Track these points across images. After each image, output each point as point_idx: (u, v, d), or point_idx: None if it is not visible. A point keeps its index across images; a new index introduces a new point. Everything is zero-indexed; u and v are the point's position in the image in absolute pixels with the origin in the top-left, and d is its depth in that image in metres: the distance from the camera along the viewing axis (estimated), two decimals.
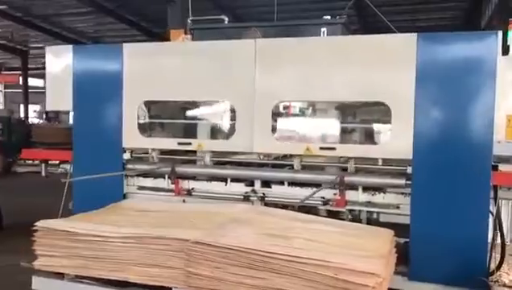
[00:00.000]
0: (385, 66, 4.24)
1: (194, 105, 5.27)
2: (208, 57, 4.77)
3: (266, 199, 4.66)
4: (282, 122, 4.85)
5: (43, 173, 5.66)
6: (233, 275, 3.34)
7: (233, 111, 4.78)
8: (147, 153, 5.11)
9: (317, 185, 4.53)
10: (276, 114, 4.64)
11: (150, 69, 4.95)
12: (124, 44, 5.02)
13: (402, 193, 4.33)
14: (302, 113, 4.88)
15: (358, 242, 3.66)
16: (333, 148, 4.41)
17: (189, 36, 5.21)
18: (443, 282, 4.05)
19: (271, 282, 3.22)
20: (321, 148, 4.43)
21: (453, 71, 4.05)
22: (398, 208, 4.35)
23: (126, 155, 5.10)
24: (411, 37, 4.17)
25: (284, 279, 3.22)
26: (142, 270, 3.54)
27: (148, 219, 4.09)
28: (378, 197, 4.41)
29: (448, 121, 4.07)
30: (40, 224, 3.78)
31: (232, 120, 4.87)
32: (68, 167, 5.78)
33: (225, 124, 5.16)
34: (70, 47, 5.23)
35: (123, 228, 3.71)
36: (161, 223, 3.92)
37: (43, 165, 5.64)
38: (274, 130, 4.60)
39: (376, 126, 4.62)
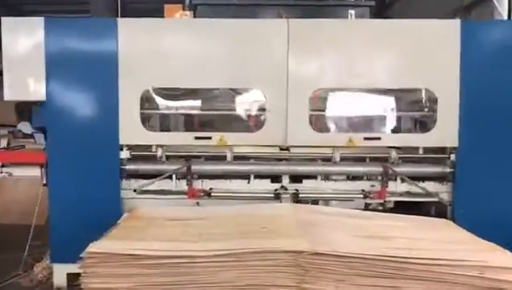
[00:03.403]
0: (430, 51, 4.03)
1: (214, 93, 4.46)
2: (231, 38, 4.06)
3: (299, 195, 4.16)
4: (320, 112, 4.35)
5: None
6: (361, 286, 2.85)
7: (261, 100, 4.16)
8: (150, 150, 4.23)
9: (355, 178, 4.21)
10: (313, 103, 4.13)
11: (156, 50, 4.05)
12: (119, 19, 4.05)
13: (442, 181, 4.21)
14: (342, 101, 4.43)
15: (454, 236, 3.42)
16: (378, 138, 4.09)
17: (188, 13, 4.39)
18: None
19: None
20: (366, 138, 4.08)
21: (498, 57, 4.01)
22: (437, 196, 4.22)
23: (124, 154, 4.15)
24: (455, 22, 4.04)
25: (424, 286, 2.83)
26: None
27: (207, 229, 3.32)
28: (417, 187, 4.22)
29: (494, 107, 4.03)
30: (94, 249, 2.82)
31: (260, 110, 4.24)
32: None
33: (252, 115, 4.47)
34: (41, 19, 4.05)
35: (208, 243, 2.94)
36: (235, 233, 3.21)
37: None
38: (311, 120, 4.12)
39: (422, 114, 4.39)
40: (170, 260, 2.79)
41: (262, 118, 4.13)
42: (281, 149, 4.32)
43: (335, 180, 4.23)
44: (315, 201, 4.22)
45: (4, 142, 6.98)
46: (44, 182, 4.39)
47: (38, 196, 6.41)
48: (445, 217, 4.04)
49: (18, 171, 4.78)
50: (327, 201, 4.26)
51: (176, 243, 2.95)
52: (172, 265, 2.80)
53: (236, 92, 4.47)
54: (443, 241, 3.29)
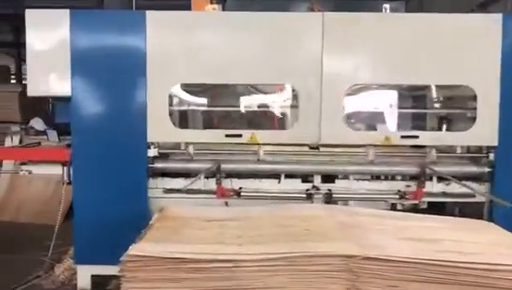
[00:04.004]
0: (469, 46, 3.89)
1: (245, 89, 4.31)
2: (264, 31, 3.91)
3: (333, 196, 4.01)
4: (355, 108, 4.21)
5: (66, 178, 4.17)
6: None
7: (294, 96, 4.02)
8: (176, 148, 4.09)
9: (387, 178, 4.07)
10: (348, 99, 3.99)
11: (186, 45, 3.90)
12: (148, 12, 3.89)
13: (479, 181, 4.06)
14: (377, 98, 4.29)
15: (500, 239, 3.27)
16: (416, 136, 3.95)
17: (217, 6, 4.23)
18: None
19: None
20: (403, 137, 3.94)
21: None
22: (474, 197, 4.08)
23: (152, 152, 4.00)
24: (496, 16, 3.89)
25: None
26: None
27: (245, 231, 3.17)
28: (454, 187, 4.08)
29: None
30: (136, 252, 2.67)
31: (293, 107, 4.09)
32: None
33: (285, 112, 4.32)
34: (66, 12, 3.89)
35: (253, 246, 2.80)
36: (276, 235, 3.06)
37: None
38: (346, 117, 3.97)
39: (461, 112, 4.24)
40: (217, 264, 2.63)
41: (295, 115, 3.97)
42: (310, 148, 4.18)
43: (368, 180, 4.08)
44: (334, 201, 4.08)
45: (16, 140, 6.81)
46: (66, 180, 4.24)
47: (52, 194, 6.32)
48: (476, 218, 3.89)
49: (36, 169, 4.61)
50: (346, 202, 4.12)
51: (220, 246, 2.80)
52: (218, 269, 2.65)
53: (258, 89, 4.34)
54: (492, 244, 3.14)
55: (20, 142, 6.77)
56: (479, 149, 4.11)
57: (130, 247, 2.70)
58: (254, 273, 2.67)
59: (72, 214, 4.29)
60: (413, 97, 4.33)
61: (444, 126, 4.13)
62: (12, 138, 6.77)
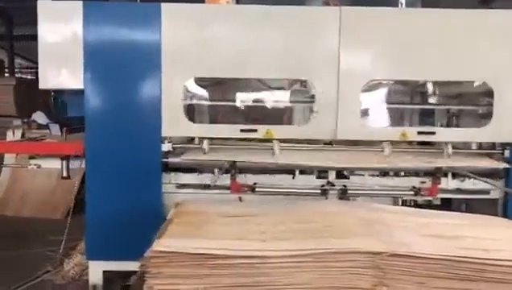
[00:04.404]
0: (487, 43, 3.87)
1: (258, 83, 4.25)
2: (279, 26, 3.86)
3: (348, 192, 3.99)
4: (371, 104, 4.18)
5: (65, 173, 4.11)
6: (441, 289, 2.70)
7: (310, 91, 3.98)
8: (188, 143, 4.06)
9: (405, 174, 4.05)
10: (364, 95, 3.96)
11: (201, 38, 3.84)
12: (163, 5, 3.83)
13: (494, 178, 4.05)
14: (394, 93, 4.27)
15: None
16: (433, 133, 3.93)
17: None
18: None
19: None
20: (419, 133, 3.92)
21: None
22: (488, 193, 4.08)
23: (166, 147, 3.95)
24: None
25: None
26: None
27: (267, 227, 3.13)
28: (468, 183, 4.08)
29: None
30: (162, 247, 2.63)
31: (309, 102, 4.05)
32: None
33: (300, 107, 4.29)
34: (79, 3, 3.82)
35: (277, 242, 2.77)
36: (299, 231, 3.03)
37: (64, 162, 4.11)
38: (362, 113, 3.95)
39: (477, 108, 4.23)
40: (242, 260, 2.60)
41: (311, 110, 3.94)
42: (324, 143, 4.16)
43: (383, 176, 4.06)
44: (347, 198, 4.05)
45: (18, 134, 6.72)
46: (64, 175, 4.19)
47: (55, 187, 6.26)
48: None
49: (45, 163, 4.54)
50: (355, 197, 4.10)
51: (244, 242, 2.76)
52: (243, 265, 2.62)
53: (274, 84, 4.30)
54: None
55: (22, 136, 6.69)
56: (492, 145, 4.09)
57: (154, 243, 2.66)
58: (279, 269, 2.63)
59: (77, 209, 4.25)
60: (429, 92, 4.29)
61: (461, 123, 4.11)
62: (14, 132, 6.69)
